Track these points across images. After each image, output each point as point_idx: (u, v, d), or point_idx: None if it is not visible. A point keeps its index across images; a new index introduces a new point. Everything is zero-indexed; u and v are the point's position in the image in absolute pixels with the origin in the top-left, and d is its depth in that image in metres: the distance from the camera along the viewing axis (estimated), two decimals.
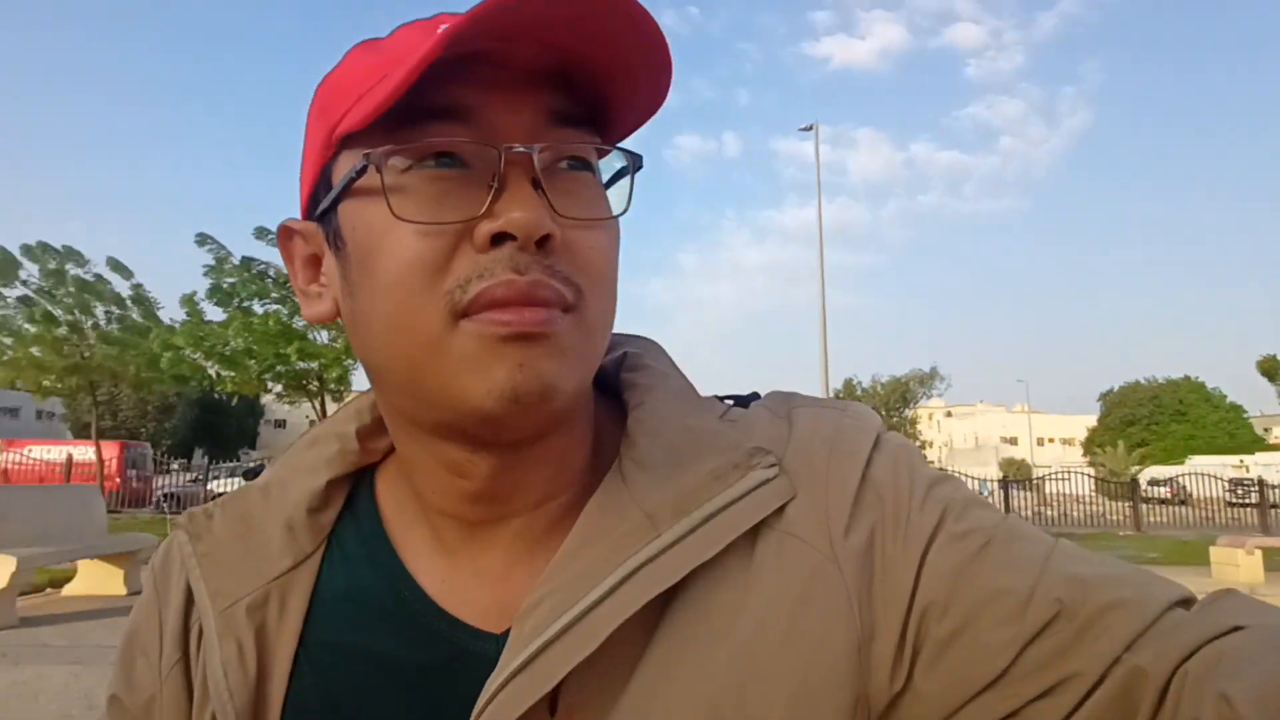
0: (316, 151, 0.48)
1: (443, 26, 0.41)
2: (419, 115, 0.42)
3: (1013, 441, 65.48)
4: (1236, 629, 0.39)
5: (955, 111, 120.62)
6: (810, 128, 21.63)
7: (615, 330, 0.51)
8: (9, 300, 15.24)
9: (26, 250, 15.34)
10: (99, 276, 15.99)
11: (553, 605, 0.43)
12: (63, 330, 15.43)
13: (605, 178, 0.49)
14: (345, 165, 0.45)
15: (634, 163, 0.48)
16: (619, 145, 0.49)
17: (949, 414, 73.88)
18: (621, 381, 0.54)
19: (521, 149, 0.42)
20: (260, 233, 15.09)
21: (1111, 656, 0.41)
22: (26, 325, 15.19)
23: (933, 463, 0.58)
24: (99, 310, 15.94)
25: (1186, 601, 0.43)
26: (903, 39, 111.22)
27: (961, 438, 70.52)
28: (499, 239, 0.42)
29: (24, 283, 15.37)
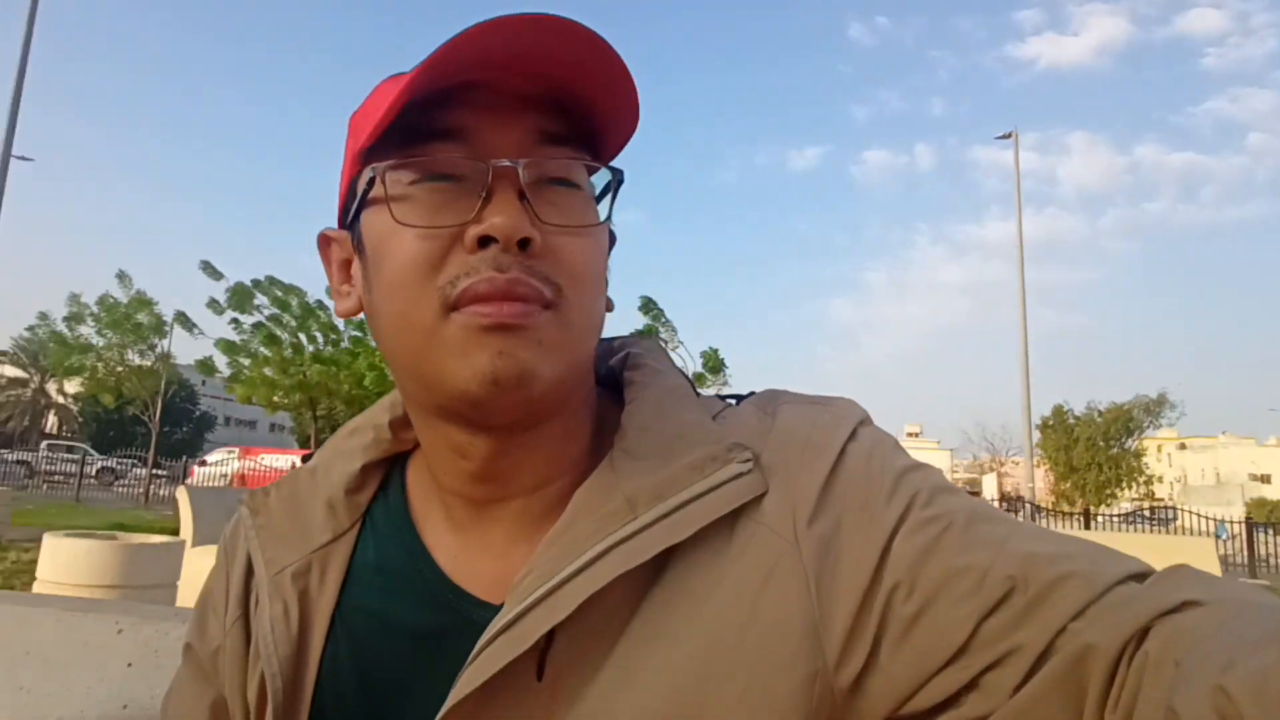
0: (346, 168, 0.54)
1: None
2: (421, 135, 0.49)
3: (1264, 479, 57.49)
4: (1190, 604, 0.41)
5: (1190, 108, 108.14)
6: (1009, 135, 20.35)
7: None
8: (245, 326, 17.47)
9: (257, 284, 17.55)
10: (319, 303, 17.94)
11: (536, 577, 0.48)
12: (288, 352, 17.46)
13: (598, 190, 0.54)
14: (364, 180, 0.51)
15: (615, 177, 0.53)
16: (602, 164, 0.53)
17: (1183, 446, 66.23)
18: (622, 379, 0.59)
19: (508, 164, 0.48)
20: None
21: (1057, 626, 0.43)
22: (261, 349, 17.33)
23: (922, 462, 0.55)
24: (317, 336, 17.93)
25: (1140, 576, 0.45)
26: (1124, 32, 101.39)
27: (1198, 473, 63.00)
28: (485, 242, 0.48)
29: (258, 309, 17.59)
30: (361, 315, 0.57)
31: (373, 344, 17.78)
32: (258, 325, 17.72)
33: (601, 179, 0.54)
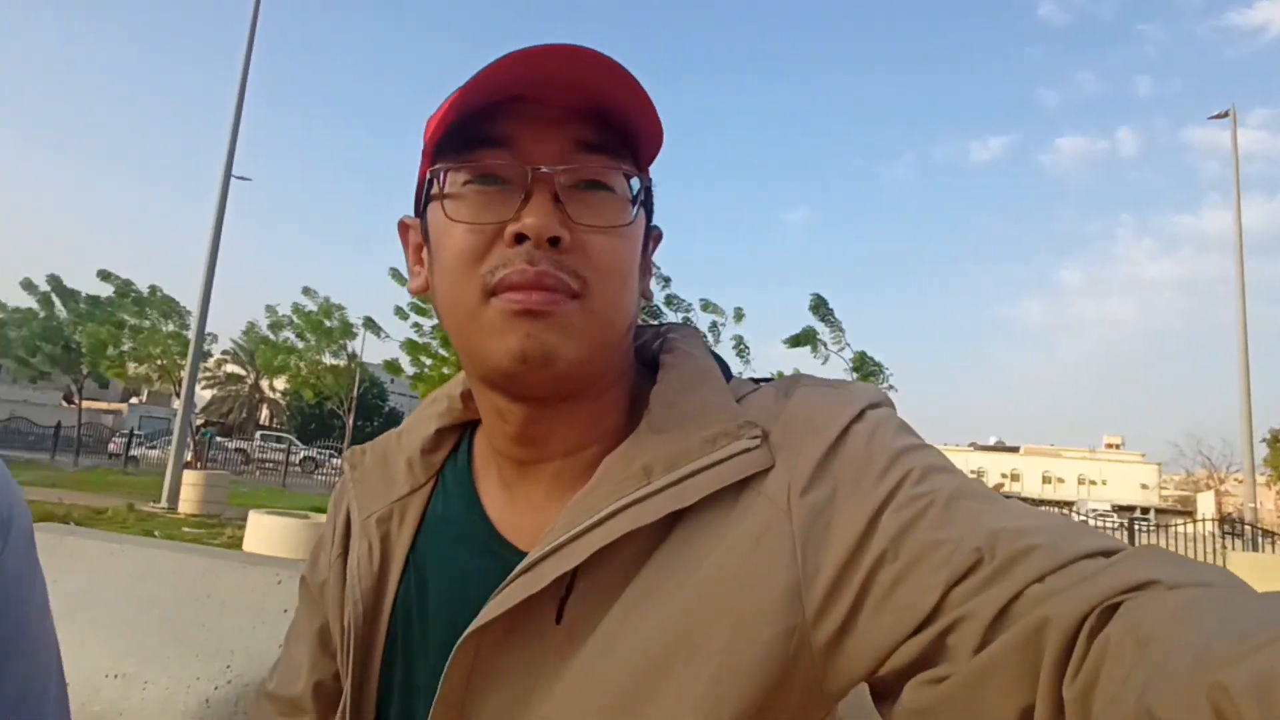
0: (423, 164, 0.61)
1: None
2: (474, 143, 0.57)
3: None
4: (1155, 583, 0.41)
5: None
6: (1225, 114, 18.16)
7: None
8: (425, 329, 18.68)
9: None
10: None
11: (558, 530, 0.55)
12: None
13: (634, 192, 0.59)
14: (430, 177, 0.59)
15: (642, 183, 0.60)
16: (638, 170, 0.60)
17: None
18: (659, 361, 0.65)
19: (545, 169, 0.55)
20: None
21: (1013, 592, 0.44)
22: (441, 349, 18.47)
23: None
24: None
25: (1110, 553, 0.46)
26: None
27: None
28: (520, 238, 0.54)
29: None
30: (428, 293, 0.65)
31: None
32: (436, 327, 18.93)
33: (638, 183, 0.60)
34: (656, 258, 0.68)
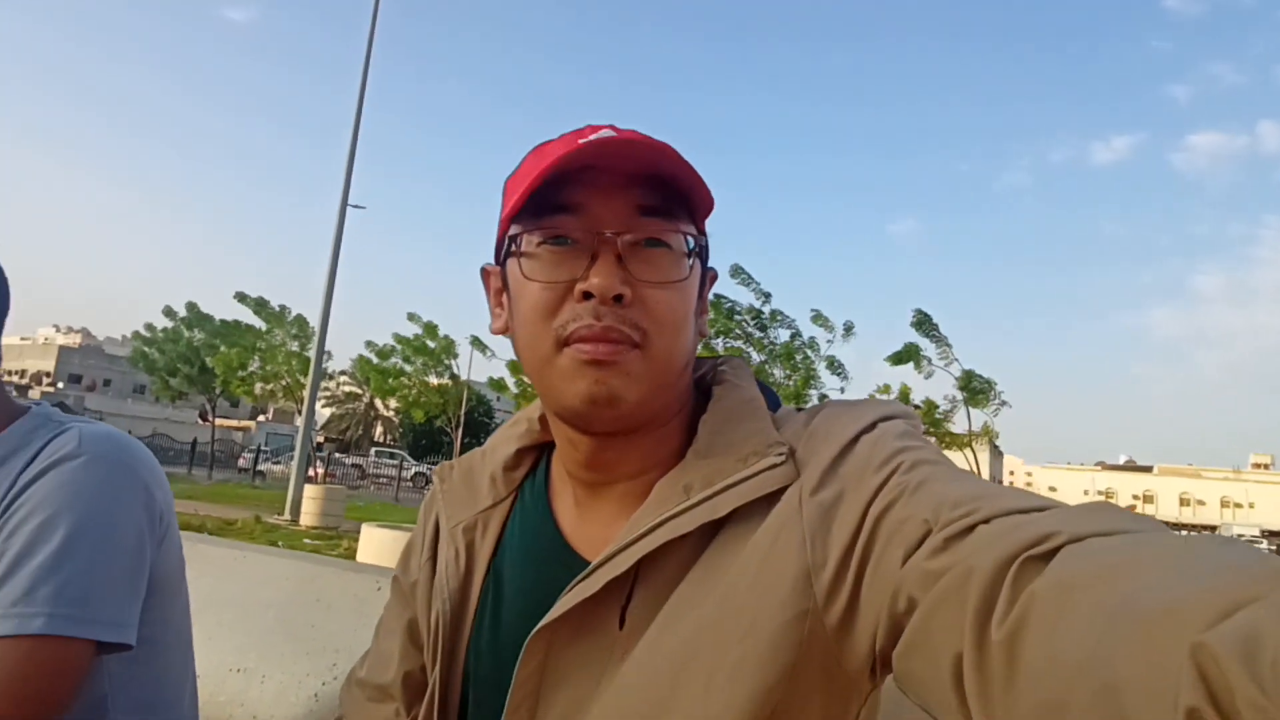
0: (502, 222, 0.68)
1: (583, 139, 0.62)
2: (546, 209, 0.63)
3: None
4: (1086, 536, 0.41)
5: None
6: None
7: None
8: None
9: None
10: None
11: (614, 543, 0.62)
12: None
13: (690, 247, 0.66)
14: (509, 236, 0.67)
15: (698, 243, 0.67)
16: (694, 228, 0.67)
17: None
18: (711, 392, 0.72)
19: (610, 234, 0.62)
20: (735, 271, 16.16)
21: (944, 550, 0.48)
22: None
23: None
24: None
25: (1043, 509, 0.47)
26: None
27: None
28: (588, 295, 0.61)
29: None
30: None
31: None
32: None
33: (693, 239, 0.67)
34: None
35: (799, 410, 0.71)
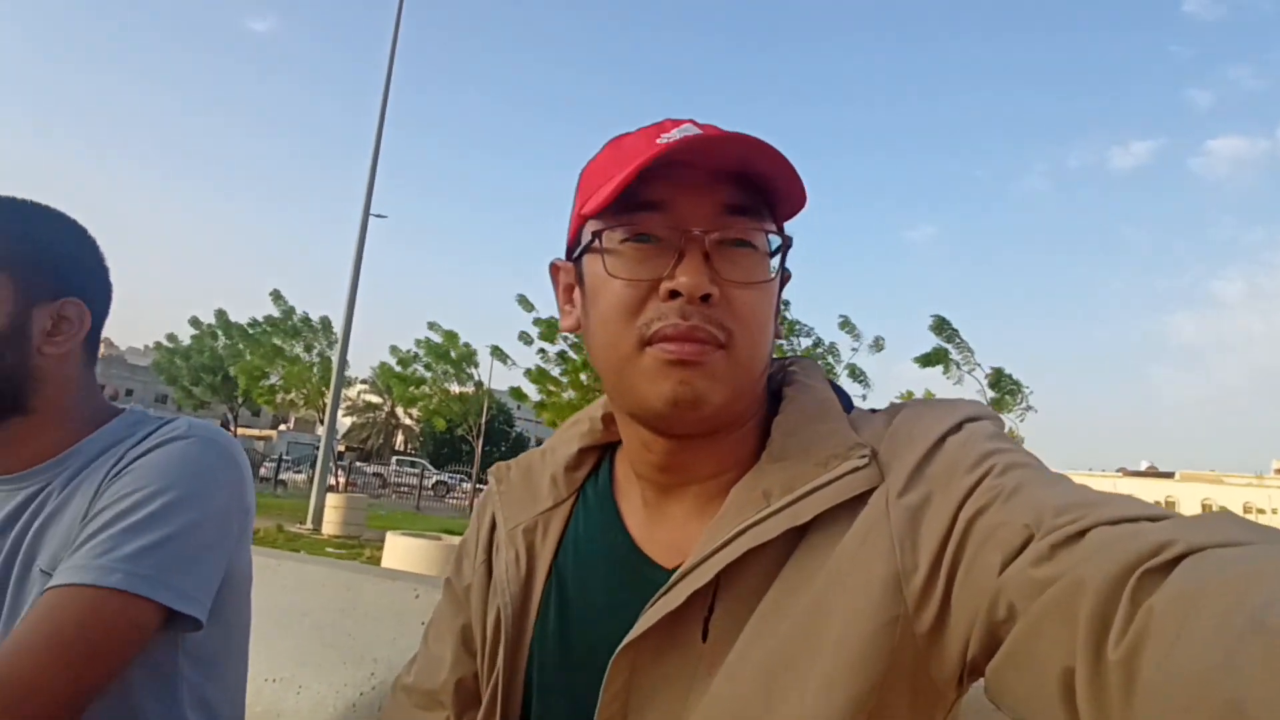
0: (574, 217, 0.68)
1: (662, 136, 0.63)
2: (631, 206, 0.62)
3: None
4: (1204, 547, 0.40)
5: None
6: None
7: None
8: (550, 355, 19.18)
9: None
10: None
11: (694, 554, 0.60)
12: (586, 379, 18.82)
13: (773, 247, 0.65)
14: (586, 233, 0.65)
15: (784, 242, 0.65)
16: (777, 228, 0.65)
17: None
18: (781, 393, 0.71)
19: (697, 232, 0.61)
20: None
21: (1049, 559, 0.46)
22: (562, 378, 18.88)
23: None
24: None
25: (1155, 518, 0.46)
26: None
27: None
28: (674, 294, 0.60)
29: (564, 338, 19.18)
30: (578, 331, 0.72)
31: None
32: (560, 354, 19.40)
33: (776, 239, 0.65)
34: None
35: (873, 411, 0.69)
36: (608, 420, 0.77)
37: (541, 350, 19.59)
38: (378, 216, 15.89)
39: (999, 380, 14.91)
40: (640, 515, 0.70)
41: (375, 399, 49.35)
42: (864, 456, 0.60)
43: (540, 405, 19.65)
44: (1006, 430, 0.71)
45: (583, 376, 18.94)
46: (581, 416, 0.80)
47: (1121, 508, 0.47)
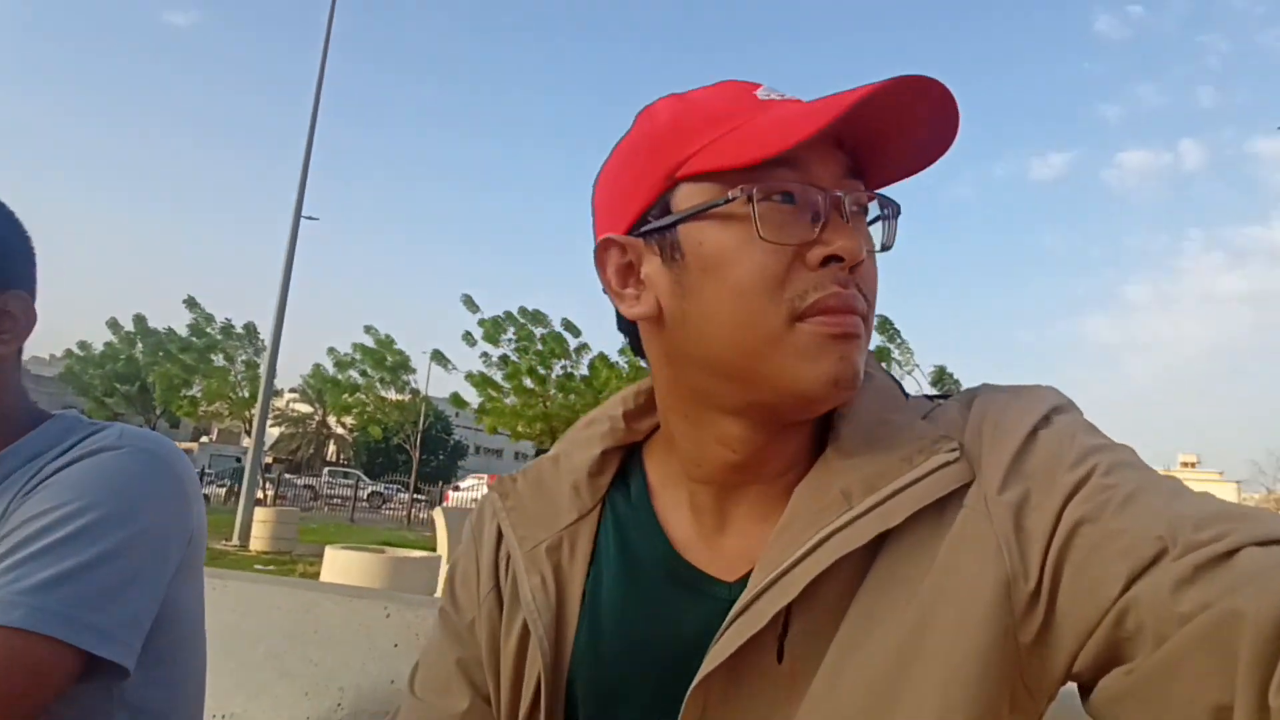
0: (649, 184, 0.59)
1: (759, 91, 0.59)
2: (771, 161, 0.54)
3: None
4: None
5: None
6: None
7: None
8: (493, 359, 18.92)
9: (509, 316, 18.93)
10: (559, 335, 19.09)
11: (768, 564, 0.55)
12: (530, 383, 18.65)
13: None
14: (693, 196, 0.57)
15: (898, 210, 0.61)
16: (887, 194, 0.60)
17: None
18: None
19: (838, 194, 0.56)
20: None
21: (1194, 580, 0.43)
22: (505, 381, 18.65)
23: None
24: (556, 366, 18.99)
25: None
26: None
27: None
28: (829, 260, 0.55)
29: (508, 341, 19.02)
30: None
31: (621, 366, 18.44)
32: (502, 358, 19.19)
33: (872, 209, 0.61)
34: None
35: (932, 398, 0.64)
36: (630, 417, 0.71)
37: (485, 354, 19.30)
38: (309, 219, 15.35)
39: (941, 378, 15.35)
40: (688, 523, 0.64)
41: (306, 408, 48.35)
42: (953, 450, 0.55)
43: (481, 410, 19.34)
44: None
45: (526, 381, 18.71)
46: (598, 415, 0.73)
47: (1267, 525, 0.45)
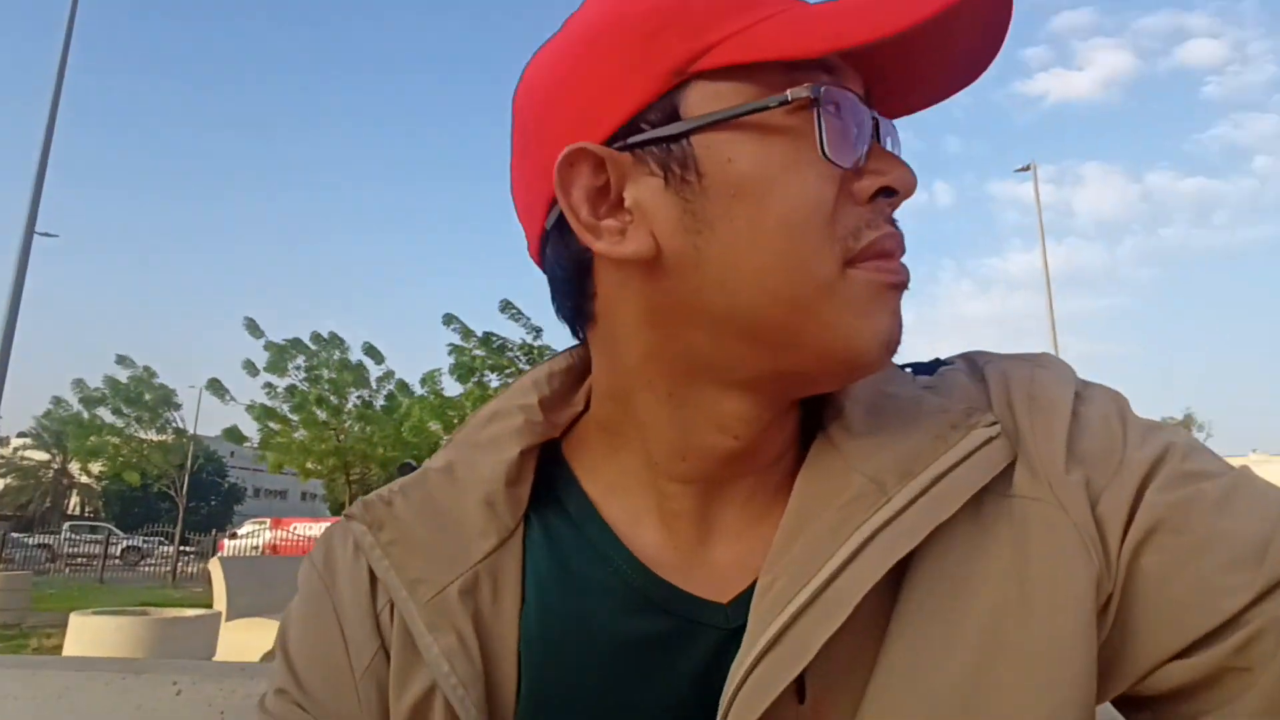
0: (644, 81, 0.46)
1: None
2: (798, 63, 0.44)
3: None
4: None
5: (1196, 135, 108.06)
6: (1027, 168, 20.46)
7: None
8: (279, 390, 17.31)
9: (296, 343, 17.44)
10: (359, 363, 17.86)
11: (791, 578, 0.44)
12: (322, 414, 17.25)
13: None
14: (718, 97, 0.45)
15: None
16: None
17: None
18: None
19: (877, 117, 0.47)
20: (505, 306, 15.86)
21: None
22: (292, 414, 17.13)
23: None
24: (352, 395, 17.74)
25: None
26: (1128, 65, 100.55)
27: None
28: (883, 193, 0.46)
29: (296, 369, 17.46)
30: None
31: (420, 394, 17.29)
32: (290, 388, 17.60)
33: None
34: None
35: (911, 367, 0.56)
36: (548, 406, 0.57)
37: (268, 384, 17.60)
38: (46, 235, 13.35)
39: None
40: (657, 535, 0.52)
41: (41, 454, 42.28)
42: (993, 424, 0.47)
43: (264, 445, 17.61)
44: None
45: (319, 412, 17.25)
46: (502, 407, 0.57)
47: None
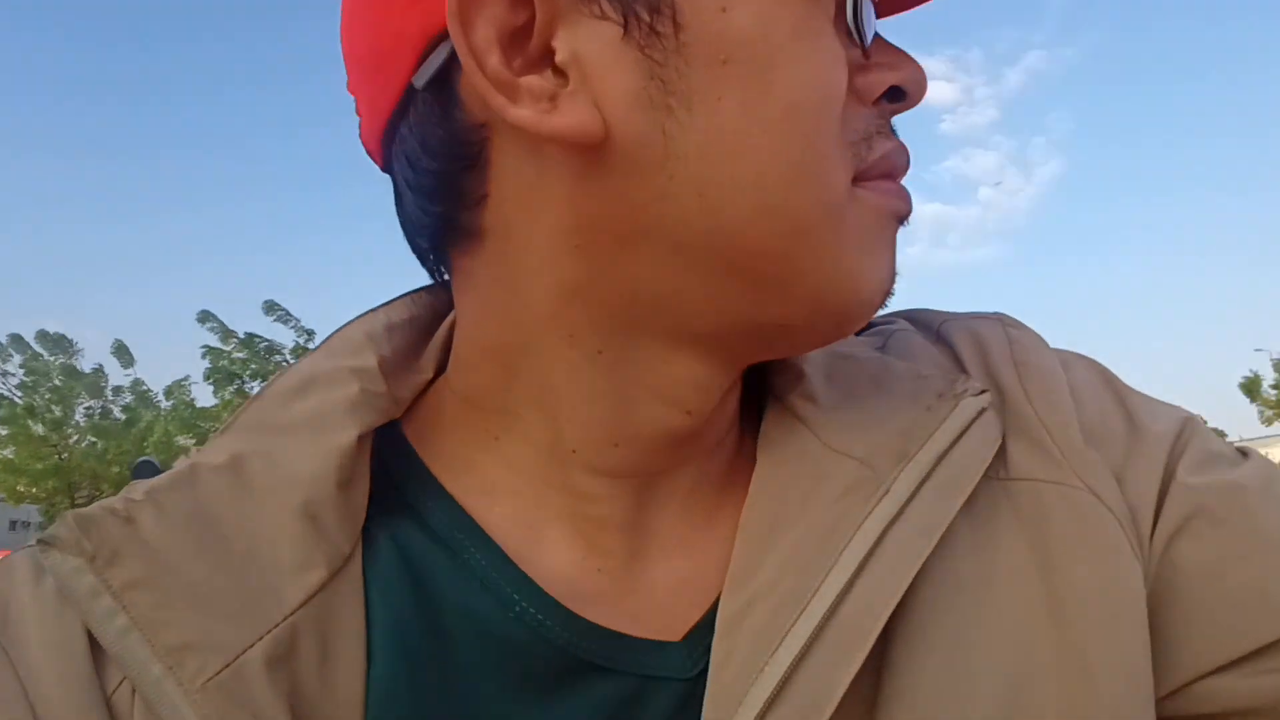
0: None
1: None
2: None
3: None
4: None
5: (934, 165, 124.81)
6: None
7: None
8: None
9: (14, 341, 14.74)
10: (98, 368, 15.32)
11: (781, 600, 0.33)
12: (40, 429, 14.69)
13: None
14: None
15: None
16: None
17: None
18: None
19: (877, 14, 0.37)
20: (270, 308, 14.21)
21: None
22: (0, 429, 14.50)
23: None
24: (80, 406, 15.24)
25: None
26: None
27: None
28: (892, 95, 0.36)
29: (6, 374, 14.72)
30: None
31: (163, 406, 15.25)
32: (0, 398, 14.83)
33: None
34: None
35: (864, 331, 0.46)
36: (389, 371, 0.39)
37: None
38: None
39: None
40: (569, 553, 0.37)
41: None
42: (983, 392, 0.38)
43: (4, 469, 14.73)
44: None
45: (36, 426, 14.68)
46: (325, 370, 0.39)
47: None
